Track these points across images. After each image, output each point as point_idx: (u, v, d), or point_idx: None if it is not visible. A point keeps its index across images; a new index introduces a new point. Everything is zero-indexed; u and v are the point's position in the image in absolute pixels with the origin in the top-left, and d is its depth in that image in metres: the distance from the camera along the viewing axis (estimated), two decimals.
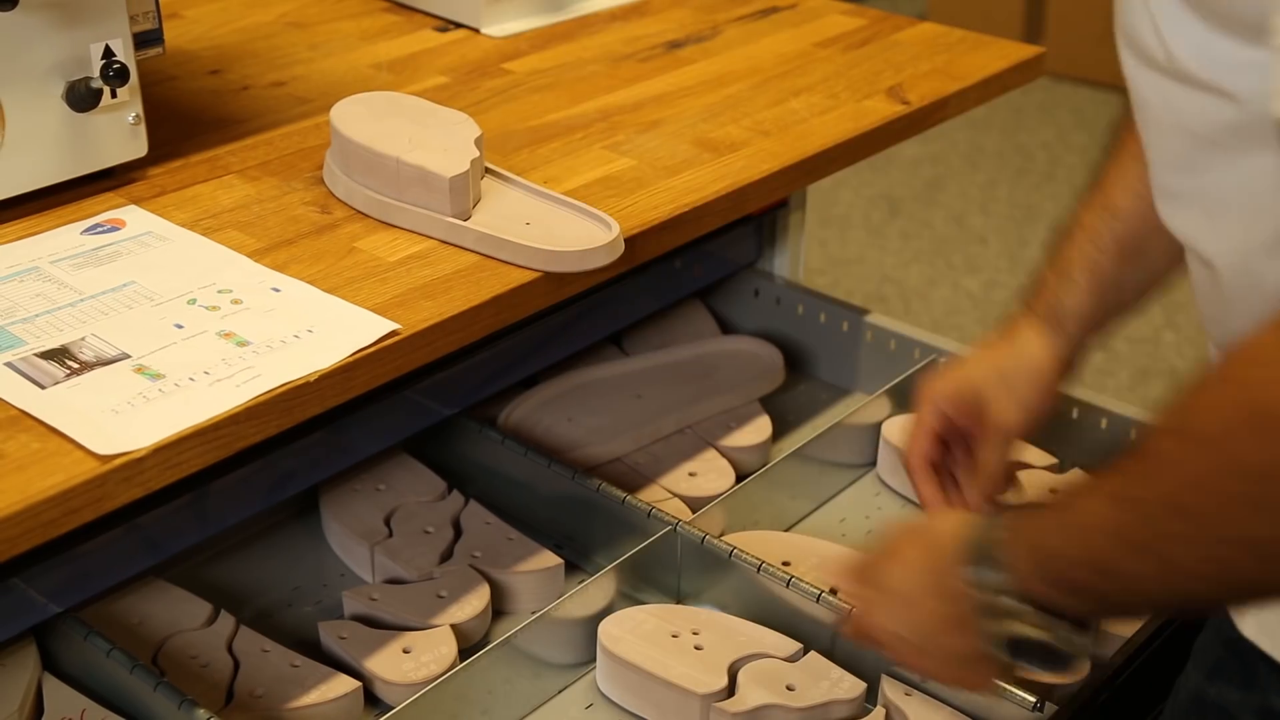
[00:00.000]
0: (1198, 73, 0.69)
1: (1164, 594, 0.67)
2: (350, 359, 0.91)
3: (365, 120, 1.11)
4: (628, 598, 1.14)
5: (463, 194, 1.04)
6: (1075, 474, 1.30)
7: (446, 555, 1.19)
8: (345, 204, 1.10)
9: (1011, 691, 1.00)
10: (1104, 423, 1.31)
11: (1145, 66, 0.74)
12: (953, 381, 1.07)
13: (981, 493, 1.07)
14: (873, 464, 1.36)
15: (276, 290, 0.99)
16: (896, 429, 1.33)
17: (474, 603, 1.13)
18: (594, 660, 1.10)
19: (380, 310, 0.96)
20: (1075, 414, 1.32)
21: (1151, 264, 0.99)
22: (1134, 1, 0.73)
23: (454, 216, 1.04)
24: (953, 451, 1.10)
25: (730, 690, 1.05)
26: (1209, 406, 0.61)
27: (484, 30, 1.46)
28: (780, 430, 1.39)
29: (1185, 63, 0.69)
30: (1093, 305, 1.01)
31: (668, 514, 1.17)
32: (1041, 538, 0.73)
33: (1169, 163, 0.76)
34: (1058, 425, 1.33)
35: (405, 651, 1.08)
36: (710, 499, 1.22)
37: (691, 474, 1.30)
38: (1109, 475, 0.68)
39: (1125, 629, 1.10)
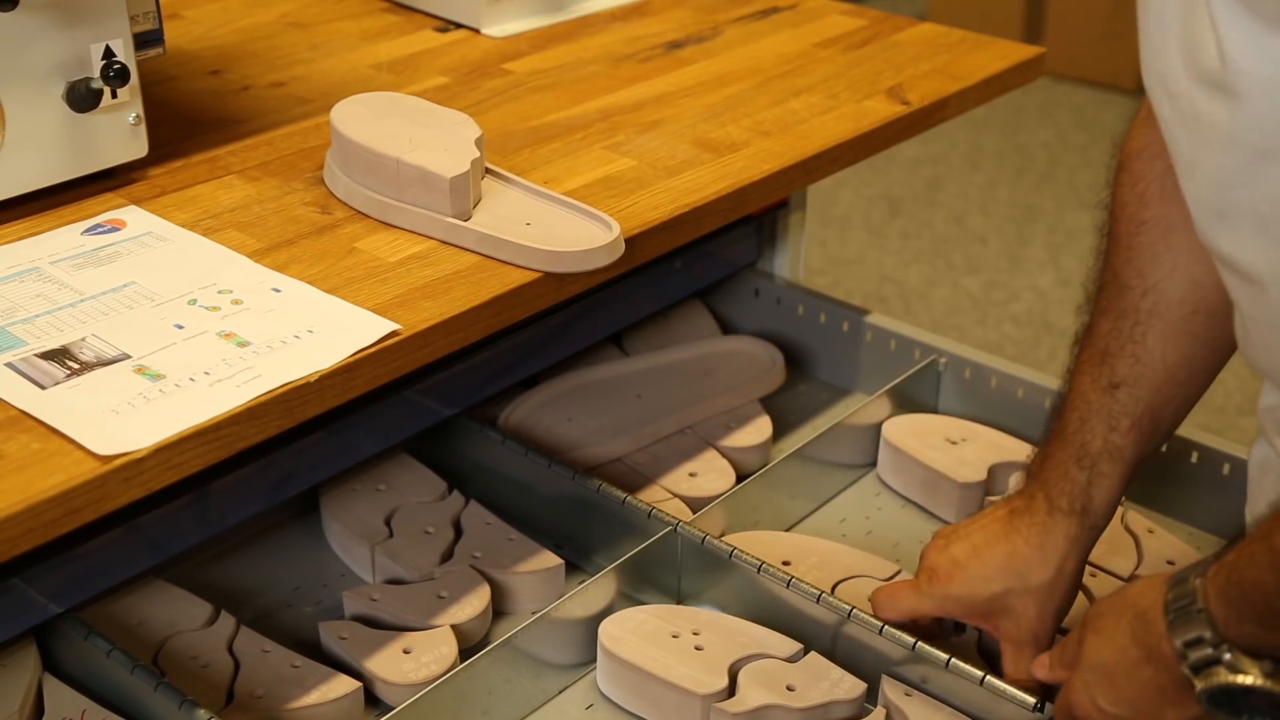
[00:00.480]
0: (1257, 72, 0.68)
1: None
2: (351, 359, 0.91)
3: (365, 120, 1.11)
4: (628, 598, 1.14)
5: (463, 194, 1.04)
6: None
7: (447, 556, 1.19)
8: (345, 204, 1.10)
9: (1012, 692, 1.00)
10: None
11: (1196, 83, 0.73)
12: (962, 584, 1.01)
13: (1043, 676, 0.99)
14: (873, 464, 1.36)
15: (277, 290, 0.99)
16: (897, 429, 1.33)
17: (474, 603, 1.13)
18: (594, 661, 1.10)
19: (381, 310, 0.96)
20: None
21: (1169, 424, 0.96)
22: (1193, 10, 0.72)
23: (454, 217, 1.04)
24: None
25: (730, 690, 1.05)
26: None
27: (484, 30, 1.46)
28: (780, 430, 1.39)
29: (1244, 64, 0.69)
30: (1122, 488, 0.97)
31: (668, 514, 1.17)
32: (1239, 572, 0.72)
33: (1218, 181, 0.74)
34: None
35: (406, 652, 1.08)
36: (710, 499, 1.22)
37: (692, 474, 1.30)
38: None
39: None
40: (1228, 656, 0.73)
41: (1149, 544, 1.21)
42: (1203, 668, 0.74)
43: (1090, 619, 0.85)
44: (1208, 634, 0.74)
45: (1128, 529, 1.23)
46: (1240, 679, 0.73)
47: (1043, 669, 0.93)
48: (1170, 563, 1.19)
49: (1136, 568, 1.19)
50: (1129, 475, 0.97)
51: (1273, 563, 0.70)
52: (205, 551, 1.22)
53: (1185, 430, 1.26)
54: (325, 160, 1.14)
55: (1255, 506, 0.90)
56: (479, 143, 1.09)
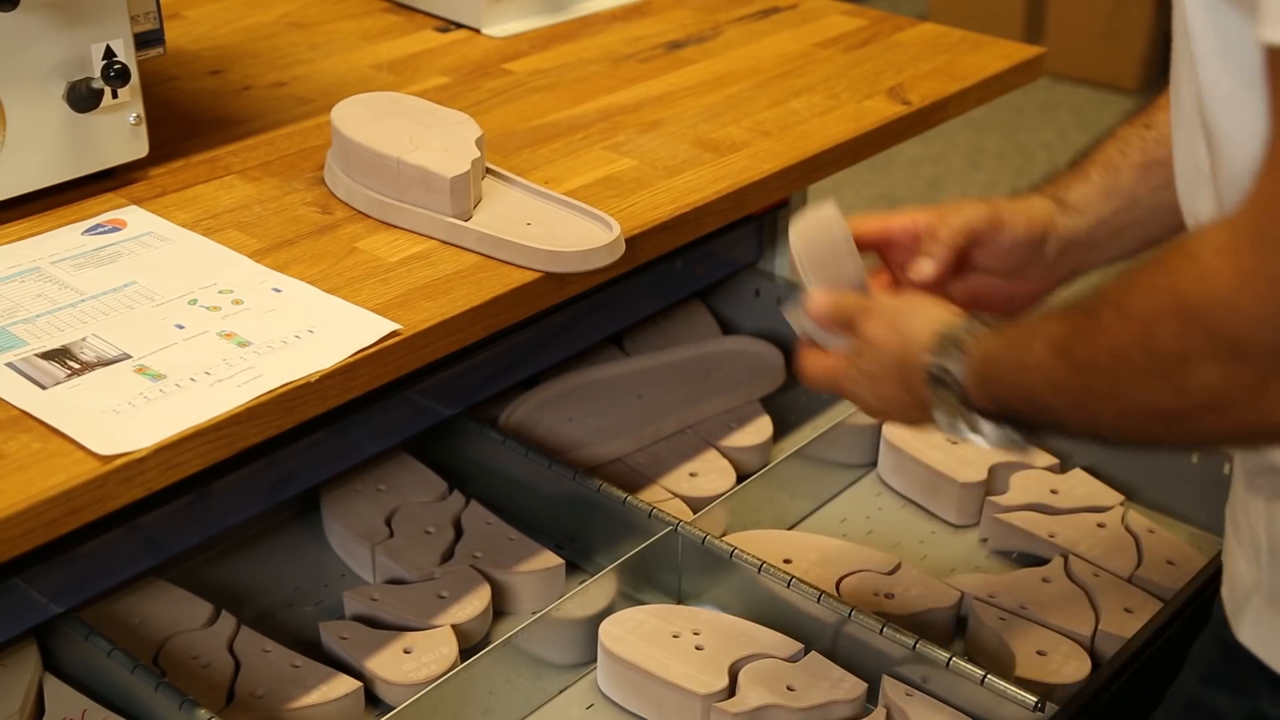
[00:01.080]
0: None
1: (1084, 432, 0.74)
2: (351, 359, 0.91)
3: (366, 120, 1.11)
4: (628, 598, 1.14)
5: (463, 194, 1.04)
6: (1076, 474, 1.30)
7: (447, 555, 1.19)
8: (346, 204, 1.10)
9: (1013, 692, 1.00)
10: None
11: None
12: (946, 207, 1.00)
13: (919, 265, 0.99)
14: (873, 464, 1.36)
15: (277, 290, 0.99)
16: (897, 429, 1.33)
17: (475, 603, 1.13)
18: (595, 660, 1.10)
19: (381, 310, 0.96)
20: None
21: (1169, 200, 0.92)
22: None
23: (455, 217, 1.04)
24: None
25: (731, 690, 1.05)
26: (1143, 287, 0.66)
27: (485, 30, 1.46)
28: (781, 430, 1.39)
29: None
30: (1098, 207, 0.95)
31: (668, 514, 1.17)
32: (990, 365, 0.78)
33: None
34: None
35: (406, 652, 1.08)
36: (711, 499, 1.22)
37: (692, 474, 1.30)
38: (1055, 322, 0.73)
39: (1125, 630, 1.11)
40: (962, 407, 0.80)
41: (1149, 544, 1.21)
42: (940, 404, 0.82)
43: (882, 313, 0.89)
44: (954, 387, 0.80)
45: (1128, 529, 1.23)
46: (958, 423, 0.81)
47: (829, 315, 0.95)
48: (1170, 563, 1.19)
49: (1137, 567, 1.19)
50: (1110, 202, 0.95)
51: (1014, 372, 0.76)
52: (206, 551, 1.22)
53: None
54: (326, 160, 1.14)
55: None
56: (479, 143, 1.09)
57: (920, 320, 0.84)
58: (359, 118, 1.11)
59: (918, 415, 0.85)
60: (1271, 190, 0.60)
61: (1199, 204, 0.75)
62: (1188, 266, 0.62)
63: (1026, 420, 0.78)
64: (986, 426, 0.80)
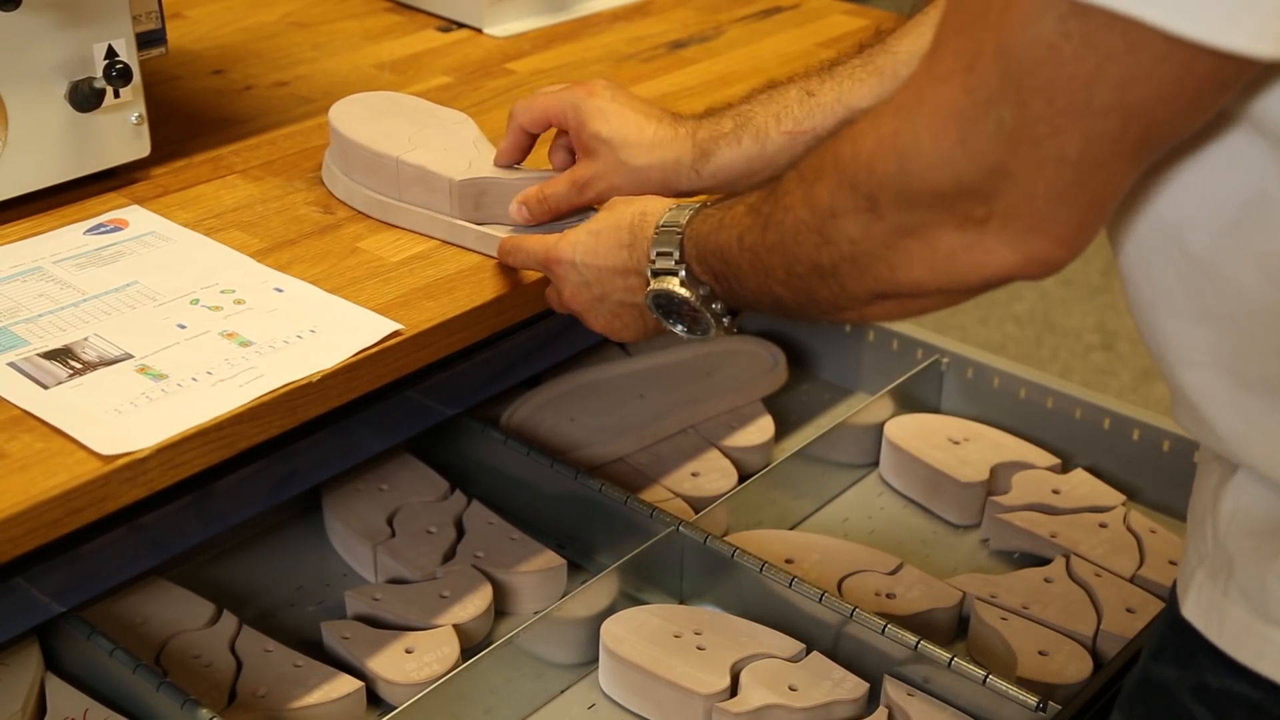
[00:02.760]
0: None
1: (762, 294, 0.81)
2: (353, 359, 0.91)
3: (364, 120, 1.11)
4: (630, 598, 1.14)
5: (465, 194, 1.04)
6: (1078, 474, 1.30)
7: (449, 555, 1.19)
8: (345, 204, 1.10)
9: (1014, 692, 1.00)
10: (1107, 422, 1.31)
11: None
12: (563, 95, 1.04)
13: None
14: (875, 464, 1.36)
15: (279, 290, 0.99)
16: (899, 429, 1.33)
17: (476, 603, 1.13)
18: (596, 660, 1.10)
19: (383, 310, 0.96)
20: (1078, 414, 1.32)
21: None
22: None
23: (454, 216, 1.04)
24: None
25: (733, 690, 1.05)
26: (818, 152, 0.74)
27: (486, 30, 1.46)
28: (783, 430, 1.39)
29: None
30: (732, 174, 1.02)
31: (670, 514, 1.17)
32: (703, 223, 0.86)
33: None
34: (1061, 425, 1.34)
35: (408, 651, 1.08)
36: (713, 499, 1.22)
37: (694, 474, 1.30)
38: (756, 189, 0.81)
39: (1127, 630, 1.11)
40: (681, 273, 0.87)
41: (1151, 544, 1.21)
42: (657, 269, 0.88)
43: (612, 201, 0.97)
44: (673, 252, 0.87)
45: (1130, 529, 1.23)
46: (676, 289, 0.87)
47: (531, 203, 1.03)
48: (1172, 563, 1.19)
49: (1139, 567, 1.19)
50: (760, 166, 1.01)
51: (716, 229, 0.84)
52: (207, 551, 1.22)
53: (1133, 408, 1.27)
54: (324, 160, 1.14)
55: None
56: (479, 142, 1.09)
57: (654, 203, 0.93)
58: (357, 117, 1.11)
59: (624, 277, 0.92)
60: (920, 70, 0.66)
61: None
62: (845, 131, 0.71)
63: (723, 281, 0.85)
64: (693, 291, 0.87)
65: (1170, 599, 0.79)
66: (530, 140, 1.06)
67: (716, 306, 0.88)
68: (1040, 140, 0.62)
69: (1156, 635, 0.80)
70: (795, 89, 1.03)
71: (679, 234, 0.87)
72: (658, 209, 0.91)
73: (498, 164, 1.06)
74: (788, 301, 0.80)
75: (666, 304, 0.90)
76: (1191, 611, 0.75)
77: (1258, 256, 0.65)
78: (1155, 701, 0.78)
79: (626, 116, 1.02)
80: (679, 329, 0.91)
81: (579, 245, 0.94)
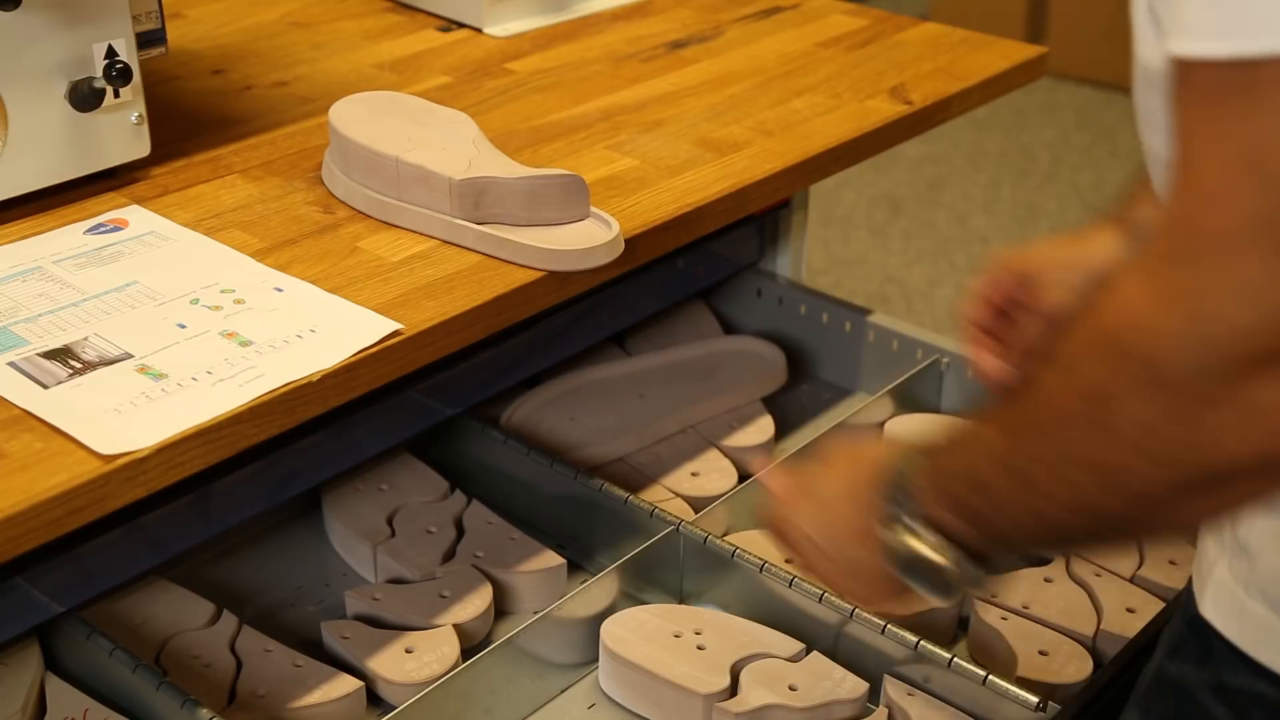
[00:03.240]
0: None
1: (1028, 518, 0.68)
2: (353, 359, 0.91)
3: (364, 120, 1.11)
4: (630, 598, 1.14)
5: (465, 194, 1.04)
6: None
7: (449, 555, 1.19)
8: (345, 204, 1.10)
9: (1014, 692, 1.00)
10: None
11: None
12: (1015, 258, 1.03)
13: (1014, 365, 1.02)
14: None
15: (279, 290, 0.99)
16: (900, 429, 1.33)
17: (476, 602, 1.13)
18: (596, 660, 1.10)
19: (383, 310, 0.96)
20: None
21: None
22: None
23: (454, 216, 1.04)
24: (1013, 323, 1.05)
25: (732, 690, 1.05)
26: (1069, 332, 0.63)
27: (486, 30, 1.46)
28: (783, 430, 1.39)
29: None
30: None
31: (670, 514, 1.17)
32: (943, 458, 0.74)
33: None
34: None
35: (408, 651, 1.08)
36: (713, 499, 1.22)
37: (694, 474, 1.30)
38: (997, 402, 0.71)
39: (1127, 629, 1.11)
40: (917, 525, 0.75)
41: (1149, 545, 1.21)
42: (894, 527, 0.76)
43: (829, 454, 0.87)
44: (909, 502, 0.75)
45: None
46: (920, 547, 0.75)
47: (772, 479, 0.93)
48: (1172, 563, 1.19)
49: (1139, 567, 1.19)
50: None
51: (962, 456, 0.72)
52: (207, 551, 1.22)
53: None
54: (324, 160, 1.14)
55: None
56: (478, 141, 1.09)
57: (871, 449, 0.84)
58: (357, 117, 1.11)
59: (860, 542, 0.80)
60: (1181, 209, 0.58)
61: None
62: (1106, 298, 0.60)
63: (974, 518, 0.73)
64: (936, 546, 0.75)
65: (1186, 597, 0.79)
66: (995, 312, 1.04)
67: (961, 557, 0.75)
68: None
69: (1173, 633, 0.80)
70: None
71: (910, 476, 0.76)
72: (881, 455, 0.81)
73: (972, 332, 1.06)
74: (1063, 521, 0.67)
75: (907, 562, 0.77)
76: (1210, 611, 0.74)
77: None
78: (1173, 700, 0.77)
79: (1056, 252, 1.01)
80: (925, 590, 0.78)
81: (807, 517, 0.85)
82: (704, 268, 1.50)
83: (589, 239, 1.03)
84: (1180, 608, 0.80)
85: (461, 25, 1.48)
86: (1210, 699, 0.75)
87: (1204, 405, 0.57)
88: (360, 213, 1.09)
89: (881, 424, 1.34)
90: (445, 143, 1.08)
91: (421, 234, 1.06)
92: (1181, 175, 0.58)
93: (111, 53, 1.06)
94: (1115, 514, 0.64)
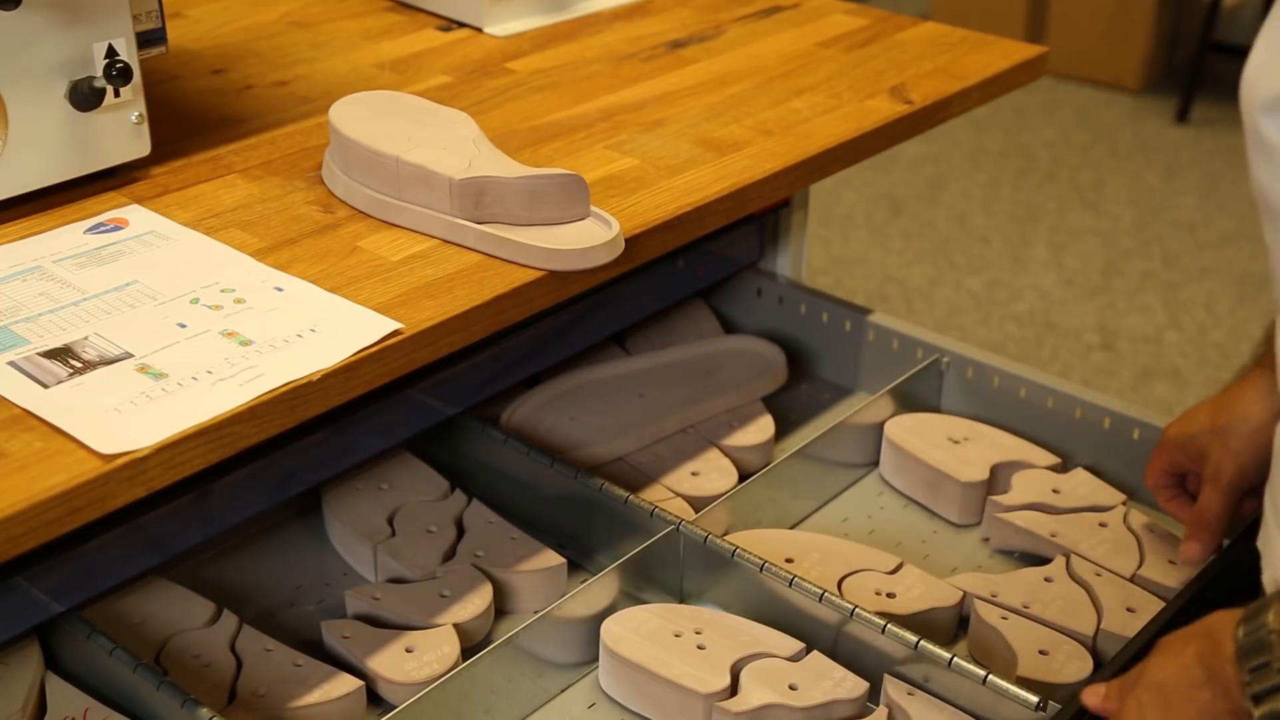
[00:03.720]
0: None
1: None
2: (353, 358, 0.91)
3: (364, 119, 1.11)
4: (630, 597, 1.14)
5: (465, 193, 1.04)
6: (1078, 473, 1.30)
7: (449, 554, 1.19)
8: (345, 204, 1.10)
9: (1014, 692, 1.00)
10: (1107, 422, 1.31)
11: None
12: (1177, 432, 1.13)
13: (1202, 541, 1.12)
14: (875, 464, 1.36)
15: (279, 290, 0.99)
16: (899, 428, 1.33)
17: (476, 602, 1.13)
18: (596, 660, 1.10)
19: (383, 309, 0.96)
20: (1078, 413, 1.32)
21: None
22: None
23: (454, 215, 1.04)
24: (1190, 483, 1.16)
25: (733, 690, 1.05)
26: None
27: (486, 30, 1.46)
28: (783, 430, 1.39)
29: None
30: None
31: (670, 513, 1.17)
32: None
33: None
34: (1061, 424, 1.34)
35: (408, 651, 1.08)
36: (713, 498, 1.22)
37: (694, 473, 1.30)
38: None
39: (1127, 629, 1.11)
40: None
41: (1151, 543, 1.21)
42: (1265, 696, 0.71)
43: (1159, 642, 0.83)
44: (1275, 662, 0.71)
45: (1130, 528, 1.23)
46: None
47: (1095, 697, 0.89)
48: (1173, 562, 1.19)
49: (1139, 567, 1.19)
50: None
51: None
52: (207, 550, 1.22)
53: (1134, 408, 1.27)
54: (324, 159, 1.14)
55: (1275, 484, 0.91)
56: (478, 140, 1.09)
57: (1213, 622, 0.79)
58: (357, 116, 1.11)
59: None
60: None
61: None
62: None
63: None
64: None
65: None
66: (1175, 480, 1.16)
67: None
68: None
69: None
70: None
71: (1271, 633, 0.72)
72: (1222, 625, 0.77)
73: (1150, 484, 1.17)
74: None
75: None
76: None
77: None
78: None
79: (1229, 418, 1.08)
80: None
81: (1145, 706, 0.81)
82: (704, 267, 1.50)
83: (589, 238, 1.03)
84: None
85: (461, 25, 1.48)
86: None
87: None
88: (360, 212, 1.09)
89: (881, 424, 1.34)
90: (445, 142, 1.08)
91: (421, 233, 1.06)
92: None
93: (112, 52, 1.06)
94: None
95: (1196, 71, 3.88)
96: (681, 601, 1.18)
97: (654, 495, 1.26)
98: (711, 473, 1.30)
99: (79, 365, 0.89)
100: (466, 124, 1.12)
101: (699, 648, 1.08)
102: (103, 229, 1.06)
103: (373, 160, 1.07)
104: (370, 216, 1.08)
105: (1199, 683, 0.77)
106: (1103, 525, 1.24)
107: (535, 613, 1.10)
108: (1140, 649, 1.03)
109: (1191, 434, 1.11)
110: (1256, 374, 1.07)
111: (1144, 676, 0.82)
